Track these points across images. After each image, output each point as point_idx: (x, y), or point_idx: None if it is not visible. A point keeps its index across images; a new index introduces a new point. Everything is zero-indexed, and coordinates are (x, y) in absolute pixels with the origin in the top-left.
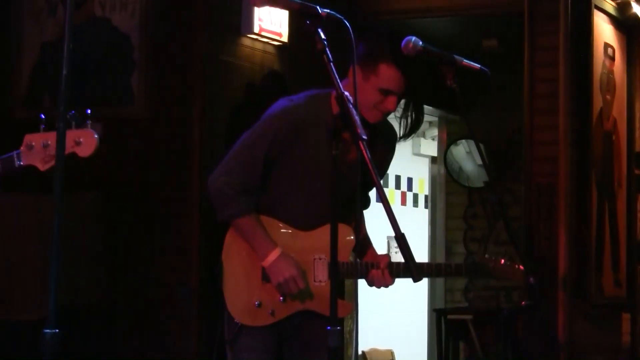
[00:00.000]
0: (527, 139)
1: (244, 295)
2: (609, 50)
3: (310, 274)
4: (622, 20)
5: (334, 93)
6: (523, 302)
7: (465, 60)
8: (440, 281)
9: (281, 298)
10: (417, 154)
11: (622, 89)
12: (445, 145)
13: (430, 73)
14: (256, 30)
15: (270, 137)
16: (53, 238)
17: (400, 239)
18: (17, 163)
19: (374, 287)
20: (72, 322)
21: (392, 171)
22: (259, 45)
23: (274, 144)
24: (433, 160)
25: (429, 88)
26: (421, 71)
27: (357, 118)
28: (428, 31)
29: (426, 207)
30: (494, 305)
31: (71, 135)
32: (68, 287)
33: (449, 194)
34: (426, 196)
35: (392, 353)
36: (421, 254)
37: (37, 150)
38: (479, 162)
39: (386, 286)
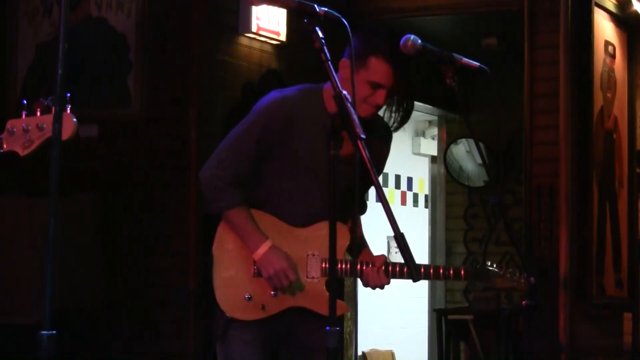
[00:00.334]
0: (527, 139)
1: (235, 289)
2: (610, 48)
3: (303, 270)
4: (622, 18)
5: (325, 88)
6: (524, 303)
7: (464, 59)
8: (441, 282)
9: (272, 292)
10: (417, 154)
11: (623, 87)
12: (445, 144)
13: (421, 68)
14: (254, 29)
15: (260, 128)
16: (49, 240)
17: (400, 239)
18: None
19: (373, 288)
20: (68, 324)
21: (391, 171)
22: (256, 45)
23: (264, 135)
24: (433, 159)
25: (420, 82)
26: (411, 65)
27: (355, 117)
28: (427, 29)
29: (426, 206)
30: (494, 306)
31: (49, 119)
32: (64, 289)
33: (449, 193)
34: (426, 196)
35: (392, 354)
36: (421, 254)
37: (17, 135)
38: (479, 161)
39: (381, 287)
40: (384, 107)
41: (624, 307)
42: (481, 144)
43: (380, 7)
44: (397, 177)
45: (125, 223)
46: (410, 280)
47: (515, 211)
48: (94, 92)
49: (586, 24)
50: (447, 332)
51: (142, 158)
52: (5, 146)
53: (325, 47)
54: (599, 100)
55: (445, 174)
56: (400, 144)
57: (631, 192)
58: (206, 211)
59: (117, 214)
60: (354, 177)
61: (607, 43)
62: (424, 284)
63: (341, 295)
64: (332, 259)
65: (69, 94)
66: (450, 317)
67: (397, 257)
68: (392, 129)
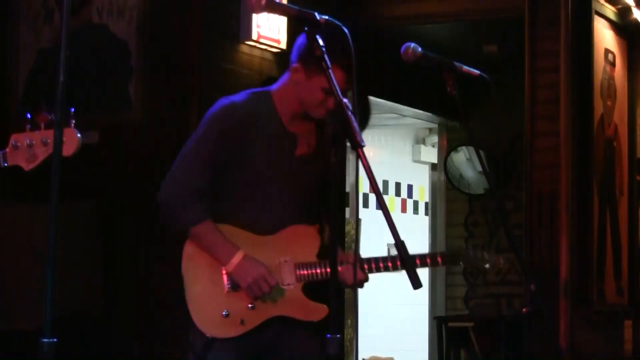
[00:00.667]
0: (527, 146)
1: (210, 307)
2: (610, 56)
3: (277, 278)
4: (622, 26)
5: (273, 91)
6: (524, 310)
7: (465, 67)
8: (441, 289)
9: (250, 305)
10: (417, 161)
11: (623, 95)
12: (446, 152)
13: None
14: (254, 37)
15: (214, 137)
16: (50, 246)
17: (401, 247)
18: (2, 163)
19: (352, 287)
20: (69, 330)
21: (392, 178)
22: (257, 52)
23: (219, 144)
24: (433, 167)
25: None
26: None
27: (355, 125)
28: (428, 37)
29: (426, 214)
30: (495, 313)
31: (53, 134)
32: (64, 296)
33: (449, 201)
34: (426, 203)
35: None
36: None
37: (21, 149)
38: (480, 168)
39: (360, 285)
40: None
41: (625, 314)
42: (481, 152)
43: (380, 15)
44: (398, 185)
45: (126, 228)
46: (411, 288)
47: (515, 217)
48: (94, 97)
49: (586, 31)
50: (447, 339)
51: (142, 163)
52: (9, 161)
53: (325, 55)
54: (599, 107)
55: (446, 182)
56: (401, 151)
57: (631, 199)
58: (171, 231)
59: (118, 220)
60: (316, 176)
61: (607, 51)
62: (424, 292)
63: (315, 298)
64: (334, 264)
65: (72, 109)
66: (451, 324)
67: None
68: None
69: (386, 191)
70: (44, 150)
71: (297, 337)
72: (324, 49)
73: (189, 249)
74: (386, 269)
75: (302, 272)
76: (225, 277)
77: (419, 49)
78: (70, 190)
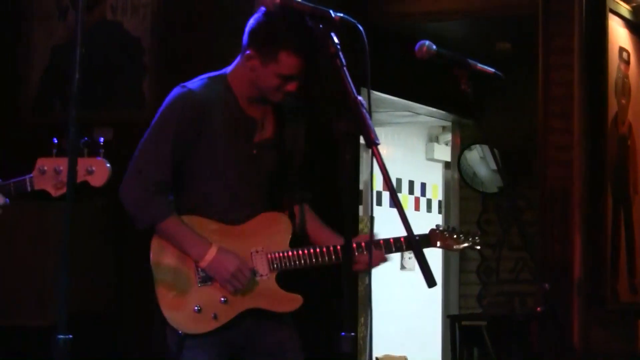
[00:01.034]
0: (541, 143)
1: (182, 303)
2: (624, 54)
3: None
4: (637, 24)
5: (229, 73)
6: (538, 308)
7: (479, 65)
8: (454, 287)
9: (222, 299)
10: (431, 159)
11: (637, 93)
12: (459, 150)
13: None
14: None
15: (173, 127)
16: (63, 244)
17: (415, 245)
18: (29, 188)
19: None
20: (79, 328)
21: (405, 176)
22: None
23: (178, 133)
24: (446, 165)
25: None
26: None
27: (370, 122)
28: (441, 34)
29: (440, 212)
30: (508, 311)
31: (83, 163)
32: (75, 293)
33: (462, 199)
34: (440, 201)
35: (406, 359)
36: (435, 260)
37: (49, 175)
38: (493, 167)
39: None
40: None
41: (638, 313)
42: (495, 150)
43: (394, 12)
44: (411, 183)
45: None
46: (424, 286)
47: (528, 215)
48: (108, 95)
49: (600, 29)
50: (460, 338)
51: None
52: (36, 185)
53: (340, 53)
54: (613, 106)
55: (459, 180)
56: (414, 149)
57: None
58: (136, 227)
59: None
60: (276, 161)
61: (621, 49)
62: (437, 290)
63: (286, 287)
64: (348, 262)
65: (102, 139)
66: (464, 323)
67: (410, 263)
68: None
69: (399, 189)
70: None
71: (272, 329)
72: (338, 47)
73: (156, 244)
74: (398, 250)
75: (275, 262)
76: (195, 271)
77: (433, 47)
78: (82, 188)
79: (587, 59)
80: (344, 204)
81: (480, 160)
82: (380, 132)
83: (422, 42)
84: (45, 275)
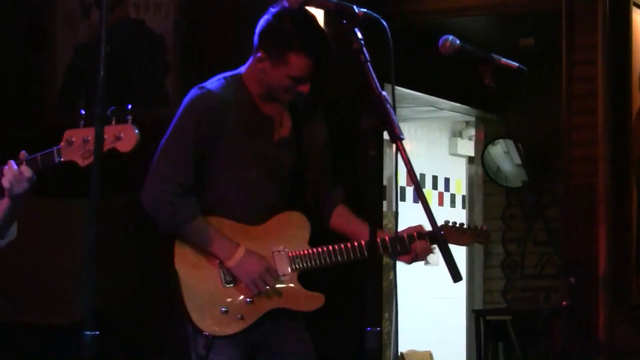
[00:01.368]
0: (565, 139)
1: (208, 304)
2: None
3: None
4: None
5: (244, 73)
6: (564, 303)
7: (503, 59)
8: (479, 282)
9: (248, 300)
10: (454, 154)
11: None
12: (483, 145)
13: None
14: None
15: (193, 128)
16: (89, 242)
17: (440, 240)
18: (56, 159)
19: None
20: (103, 326)
21: (429, 171)
22: None
23: (199, 134)
24: (470, 160)
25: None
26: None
27: (394, 118)
28: (464, 30)
29: (463, 207)
30: (533, 306)
31: (111, 130)
32: (99, 291)
33: (486, 194)
34: (463, 196)
35: (430, 354)
36: (459, 255)
37: (76, 146)
38: (517, 162)
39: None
40: None
41: None
42: (519, 145)
43: (417, 9)
44: (435, 178)
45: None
46: (449, 281)
47: (553, 211)
48: (131, 93)
49: (624, 24)
50: (485, 333)
51: None
52: (64, 156)
53: (364, 49)
54: (637, 101)
55: (483, 175)
56: (437, 144)
57: None
58: (160, 232)
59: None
60: (289, 157)
61: None
62: (461, 285)
63: (308, 286)
64: (372, 257)
65: (130, 105)
66: (489, 317)
67: (434, 258)
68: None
69: (423, 184)
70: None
71: (289, 330)
72: (362, 43)
73: (180, 246)
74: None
75: (297, 262)
76: (219, 272)
77: (457, 42)
78: (106, 185)
79: (611, 54)
80: (368, 199)
81: (504, 155)
82: (404, 128)
83: (445, 37)
84: (70, 273)
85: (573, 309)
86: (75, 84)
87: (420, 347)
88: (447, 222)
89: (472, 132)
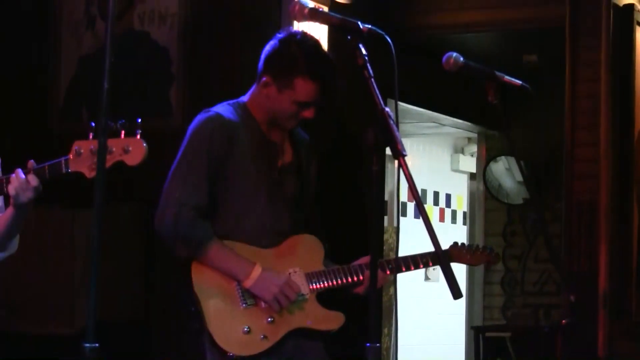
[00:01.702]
0: (567, 156)
1: (231, 325)
2: None
3: None
4: None
5: (247, 101)
6: (563, 321)
7: (506, 77)
8: (478, 298)
9: (269, 319)
10: (456, 170)
11: None
12: (485, 161)
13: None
14: None
15: (205, 150)
16: (93, 252)
17: (441, 256)
18: (64, 169)
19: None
20: (108, 336)
21: (430, 187)
22: None
23: (211, 155)
24: (472, 176)
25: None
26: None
27: (398, 134)
28: (468, 46)
29: (464, 223)
30: (532, 323)
31: (120, 143)
32: (105, 301)
33: (487, 210)
34: (464, 213)
35: None
36: (459, 272)
37: (84, 157)
38: (519, 178)
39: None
40: None
41: None
42: (522, 162)
43: (421, 24)
44: (436, 194)
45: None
46: (449, 297)
47: (554, 228)
48: (135, 104)
49: (628, 42)
50: (484, 349)
51: None
52: (71, 167)
53: (368, 64)
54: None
55: (484, 191)
56: (439, 160)
57: None
58: (179, 255)
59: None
60: (299, 186)
61: None
62: (461, 301)
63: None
64: (374, 273)
65: (139, 119)
66: (488, 334)
67: (434, 274)
68: None
69: (424, 200)
70: (108, 159)
71: (313, 350)
72: (366, 58)
73: (197, 267)
74: (415, 267)
75: (314, 281)
76: (238, 293)
77: (461, 59)
78: (110, 196)
79: (614, 72)
80: (370, 215)
81: (505, 172)
82: (406, 143)
83: (449, 53)
84: (73, 283)
85: (573, 326)
86: (79, 94)
87: None
88: (456, 243)
89: (474, 148)
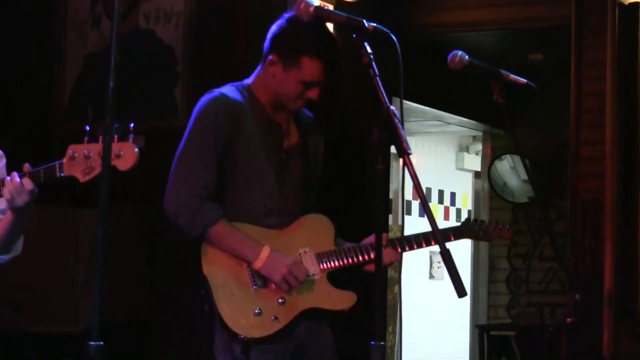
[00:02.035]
0: (573, 155)
1: (242, 307)
2: None
3: None
4: None
5: (251, 83)
6: (568, 320)
7: (511, 75)
8: (483, 297)
9: (280, 300)
10: (461, 169)
11: None
12: (490, 160)
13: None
14: None
15: (213, 130)
16: (97, 251)
17: (445, 255)
18: (58, 173)
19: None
20: (111, 335)
21: (435, 186)
22: None
23: (218, 136)
24: (477, 175)
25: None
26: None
27: (403, 132)
28: (473, 45)
29: None
30: (537, 322)
31: (112, 147)
32: (108, 300)
33: (492, 209)
34: (469, 211)
35: None
36: (464, 269)
37: (78, 161)
38: (524, 177)
39: (391, 263)
40: None
41: None
42: (527, 160)
43: (426, 23)
44: (440, 192)
45: (170, 234)
46: (453, 296)
47: (559, 226)
48: (140, 103)
49: (633, 41)
50: (489, 348)
51: None
52: (65, 171)
53: (373, 63)
54: None
55: (489, 190)
56: (444, 159)
57: None
58: (187, 237)
59: (162, 224)
60: (305, 168)
61: None
62: (466, 299)
63: (340, 285)
64: (379, 270)
65: (132, 124)
66: (493, 332)
67: (439, 272)
68: None
69: (429, 198)
70: (101, 163)
71: (323, 336)
72: (371, 57)
73: (207, 250)
74: (419, 246)
75: (324, 260)
76: (248, 275)
77: (466, 57)
78: (115, 195)
79: (620, 70)
80: (375, 213)
81: (510, 170)
82: (411, 141)
83: (454, 52)
84: (77, 282)
85: (578, 325)
86: (84, 93)
87: None
88: (468, 219)
89: (479, 147)
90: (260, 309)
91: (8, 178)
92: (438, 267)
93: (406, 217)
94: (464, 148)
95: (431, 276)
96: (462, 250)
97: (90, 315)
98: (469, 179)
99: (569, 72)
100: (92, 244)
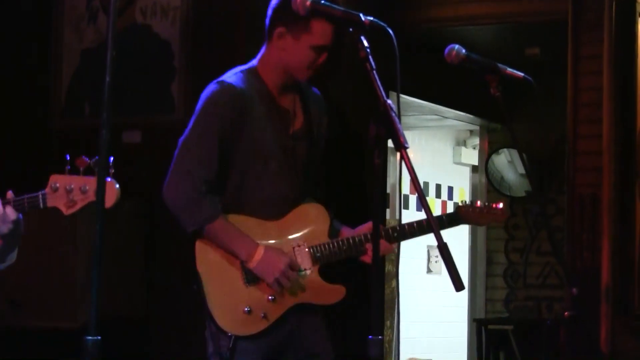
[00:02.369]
0: (570, 149)
1: (231, 305)
2: None
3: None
4: None
5: (258, 64)
6: (566, 314)
7: (508, 69)
8: (481, 291)
9: (270, 297)
10: (458, 163)
11: None
12: (487, 154)
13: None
14: None
15: (216, 122)
16: (95, 247)
17: (443, 249)
18: (42, 205)
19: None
20: (110, 331)
21: (432, 180)
22: None
23: (222, 128)
24: (474, 169)
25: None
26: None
27: (399, 126)
28: (470, 39)
29: None
30: (535, 316)
31: (92, 183)
32: (107, 296)
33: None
34: None
35: None
36: (462, 264)
37: (60, 193)
38: (521, 171)
39: (385, 253)
40: None
41: None
42: (524, 155)
43: (423, 17)
44: (438, 187)
45: (169, 229)
46: (451, 290)
47: (557, 221)
48: (137, 98)
49: (630, 34)
50: (487, 342)
51: None
52: (49, 203)
53: (370, 57)
54: None
55: (487, 184)
56: (441, 153)
57: None
58: (185, 228)
59: (160, 220)
60: (310, 153)
61: None
62: (463, 294)
63: (330, 279)
64: (376, 264)
65: (112, 158)
66: (491, 327)
67: (436, 266)
68: None
69: (426, 193)
70: (82, 198)
71: (312, 328)
72: (368, 51)
73: (201, 246)
74: (412, 235)
75: (317, 254)
76: (241, 272)
77: (463, 51)
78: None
79: (617, 64)
80: (372, 208)
81: (508, 165)
82: (408, 136)
83: (451, 46)
84: (75, 278)
85: (576, 320)
86: (81, 89)
87: (422, 356)
88: (464, 201)
89: (476, 141)
90: (250, 308)
91: None
92: (435, 262)
93: (403, 211)
94: (461, 142)
95: (429, 270)
96: (459, 244)
97: (88, 310)
98: (466, 173)
99: (566, 66)
100: (91, 239)
